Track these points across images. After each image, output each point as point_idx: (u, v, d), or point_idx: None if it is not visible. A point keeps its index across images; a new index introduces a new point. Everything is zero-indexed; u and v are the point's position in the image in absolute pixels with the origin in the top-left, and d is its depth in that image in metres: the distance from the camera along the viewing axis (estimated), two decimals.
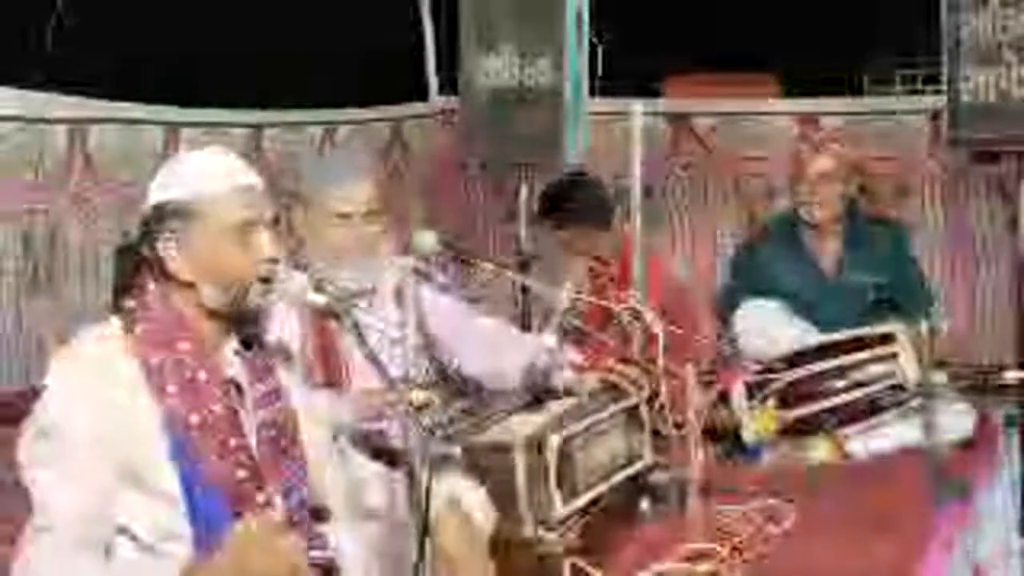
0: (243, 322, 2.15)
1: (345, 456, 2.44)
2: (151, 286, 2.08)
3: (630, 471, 2.94)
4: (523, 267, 4.38)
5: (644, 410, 3.00)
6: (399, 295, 2.76)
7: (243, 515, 2.03)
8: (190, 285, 2.07)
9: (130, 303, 2.08)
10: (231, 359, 2.12)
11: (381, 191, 2.84)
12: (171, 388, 2.01)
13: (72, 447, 1.94)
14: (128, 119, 5.48)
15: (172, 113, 5.68)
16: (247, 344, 2.16)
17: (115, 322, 2.07)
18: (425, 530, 1.95)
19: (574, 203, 4.21)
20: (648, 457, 3.02)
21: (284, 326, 2.55)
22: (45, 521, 1.93)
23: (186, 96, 5.73)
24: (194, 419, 2.01)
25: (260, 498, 2.06)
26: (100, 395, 1.97)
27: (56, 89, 5.17)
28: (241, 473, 2.05)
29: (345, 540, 2.30)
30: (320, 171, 2.93)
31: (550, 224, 4.28)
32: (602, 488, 2.79)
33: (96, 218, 5.38)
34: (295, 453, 2.17)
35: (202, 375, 2.05)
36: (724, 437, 3.70)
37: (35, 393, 2.02)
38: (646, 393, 3.01)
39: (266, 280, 2.09)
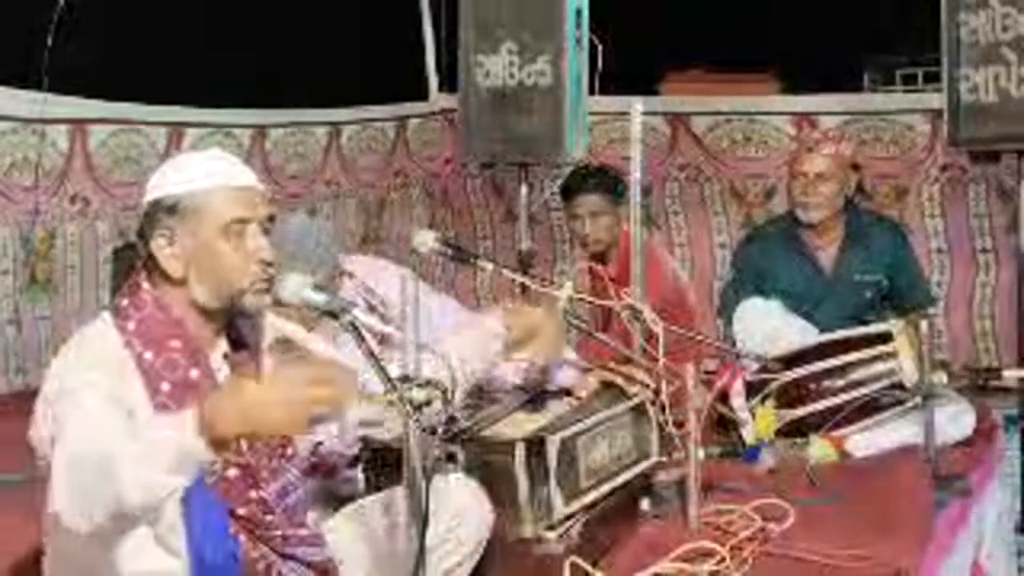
0: (236, 320, 2.15)
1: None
2: (144, 284, 2.09)
3: (637, 470, 2.94)
4: (523, 266, 4.37)
5: (651, 410, 3.00)
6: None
7: (235, 513, 2.04)
8: (182, 283, 2.08)
9: (124, 301, 2.09)
10: (221, 362, 2.12)
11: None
12: (164, 387, 2.01)
13: (96, 398, 1.91)
14: (129, 120, 5.46)
15: (174, 114, 5.67)
16: (236, 344, 2.16)
17: (108, 318, 2.07)
18: (424, 530, 1.95)
19: (584, 182, 4.29)
20: (655, 456, 3.02)
21: None
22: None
23: (188, 96, 5.70)
24: None
25: (253, 495, 2.07)
26: (105, 383, 1.96)
27: (56, 89, 5.15)
28: (232, 472, 2.05)
29: (345, 540, 2.31)
30: None
31: (566, 204, 4.36)
32: (608, 488, 2.79)
33: (95, 219, 5.37)
34: (289, 453, 2.17)
35: (194, 374, 2.05)
36: (724, 436, 3.71)
37: (33, 395, 2.02)
38: (649, 393, 3.01)
39: (262, 278, 2.10)
